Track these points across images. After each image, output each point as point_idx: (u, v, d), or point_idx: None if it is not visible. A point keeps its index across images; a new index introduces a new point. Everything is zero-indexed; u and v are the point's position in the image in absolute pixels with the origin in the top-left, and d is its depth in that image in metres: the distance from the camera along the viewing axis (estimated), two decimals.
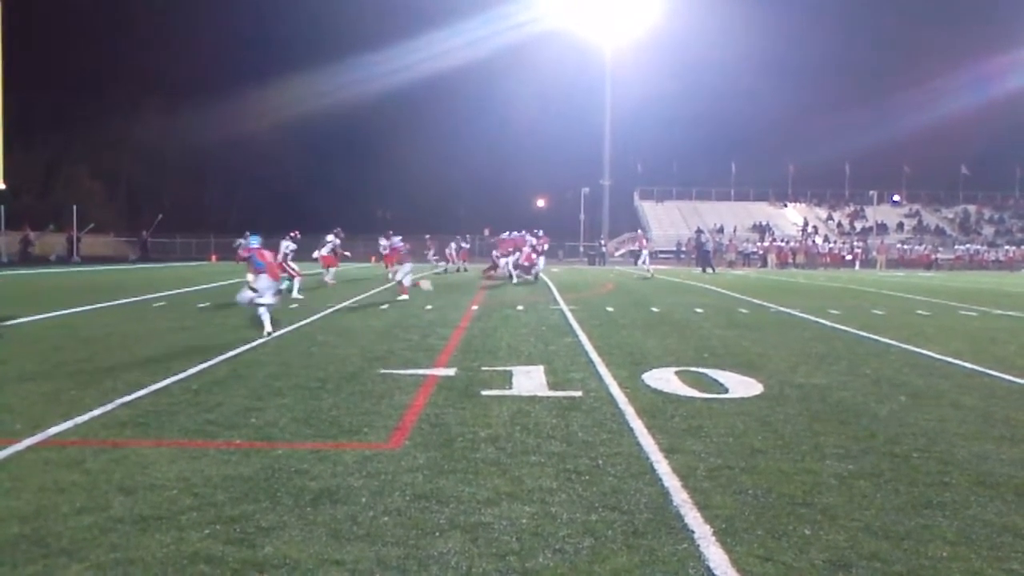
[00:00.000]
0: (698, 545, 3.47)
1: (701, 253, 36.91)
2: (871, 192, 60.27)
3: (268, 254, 11.26)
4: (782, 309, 15.13)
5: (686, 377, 7.49)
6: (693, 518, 3.78)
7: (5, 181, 25.68)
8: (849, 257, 49.82)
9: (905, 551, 3.45)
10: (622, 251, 54.25)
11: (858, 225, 59.85)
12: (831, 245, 52.67)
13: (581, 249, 53.84)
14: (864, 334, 11.09)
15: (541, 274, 25.79)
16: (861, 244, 53.22)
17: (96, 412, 5.83)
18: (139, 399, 6.30)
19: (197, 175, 69.61)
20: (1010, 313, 15.04)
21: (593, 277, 28.73)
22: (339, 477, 4.36)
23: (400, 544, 3.46)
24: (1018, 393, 6.99)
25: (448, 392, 6.70)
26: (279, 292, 11.30)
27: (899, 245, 52.85)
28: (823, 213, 61.95)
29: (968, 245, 53.74)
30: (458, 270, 31.03)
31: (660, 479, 4.38)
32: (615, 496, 4.10)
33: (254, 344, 9.39)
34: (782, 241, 52.08)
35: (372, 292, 18.40)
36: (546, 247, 27.59)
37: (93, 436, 5.20)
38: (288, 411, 5.94)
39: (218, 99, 60.69)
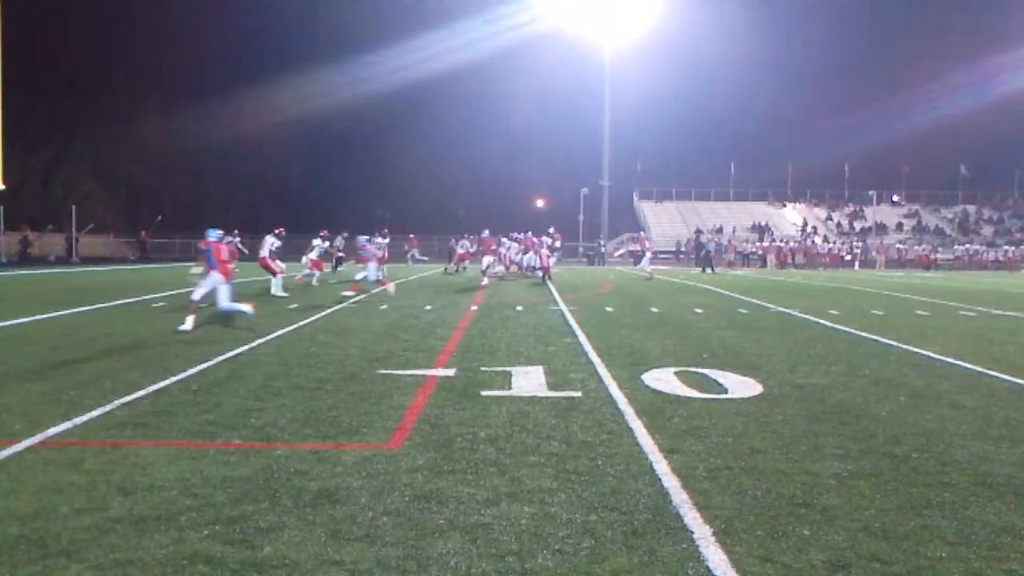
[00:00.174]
0: (697, 545, 3.47)
1: (702, 254, 36.94)
2: (870, 192, 60.27)
3: (224, 250, 11.22)
4: (782, 309, 15.13)
5: (686, 377, 7.49)
6: (692, 518, 3.78)
7: (5, 181, 25.68)
8: (848, 257, 49.85)
9: (904, 551, 3.45)
10: (621, 251, 54.28)
11: (857, 225, 59.87)
12: (830, 245, 52.69)
13: (580, 250, 53.85)
14: (864, 334, 11.09)
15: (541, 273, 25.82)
16: (860, 244, 53.25)
17: (95, 413, 5.82)
18: (138, 400, 6.30)
19: (196, 175, 69.56)
20: (1010, 313, 15.05)
21: (592, 277, 28.73)
22: (338, 478, 4.36)
23: (399, 544, 3.46)
24: (1017, 394, 6.99)
25: (448, 392, 6.69)
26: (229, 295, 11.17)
27: (898, 245, 52.84)
28: (822, 213, 61.97)
29: (967, 245, 53.74)
30: (456, 271, 31.01)
31: (659, 479, 4.37)
32: (614, 496, 4.10)
33: (253, 344, 9.38)
34: (781, 241, 52.12)
35: (371, 293, 18.40)
36: (559, 244, 27.58)
37: (92, 437, 5.20)
38: (287, 411, 5.93)
39: (218, 99, 60.70)
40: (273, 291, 16.67)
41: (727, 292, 20.51)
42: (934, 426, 5.68)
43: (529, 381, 7.23)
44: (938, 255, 50.11)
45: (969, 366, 8.36)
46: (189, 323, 10.62)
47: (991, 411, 6.19)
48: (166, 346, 9.28)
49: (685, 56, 65.94)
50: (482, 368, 7.93)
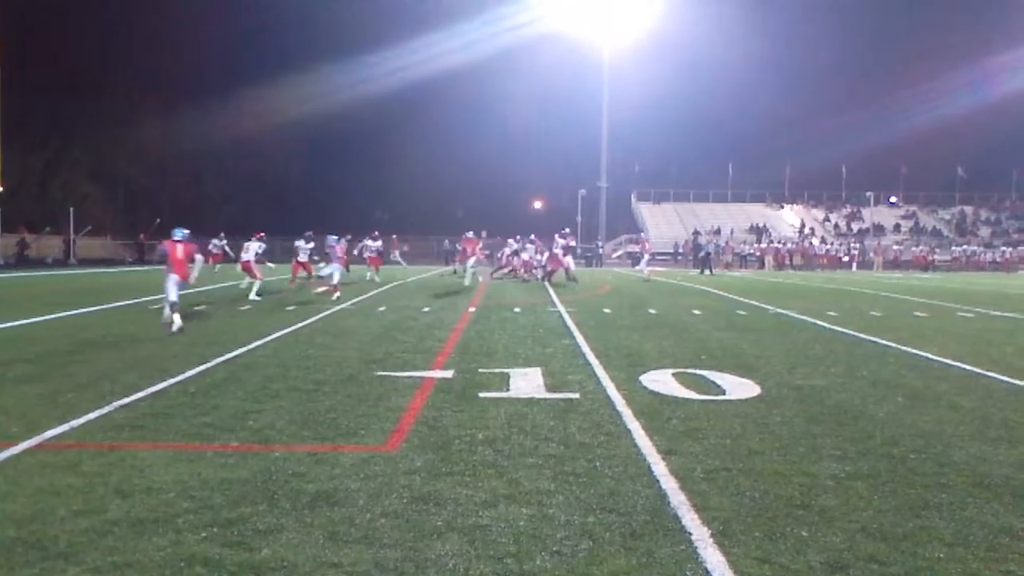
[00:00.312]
0: (696, 547, 3.47)
1: (700, 255, 36.95)
2: (868, 193, 60.36)
3: (180, 249, 11.16)
4: (780, 311, 15.14)
5: (684, 379, 7.49)
6: (691, 520, 3.78)
7: (3, 182, 25.65)
8: (846, 258, 49.92)
9: (902, 552, 3.45)
10: (619, 253, 54.29)
11: (855, 226, 59.96)
12: (828, 247, 52.75)
13: (578, 251, 53.84)
14: (862, 336, 11.10)
15: (541, 275, 25.84)
16: (858, 245, 53.32)
17: (93, 415, 5.81)
18: (136, 402, 6.29)
19: (195, 177, 69.51)
20: (1007, 314, 15.06)
21: (590, 279, 28.73)
22: (336, 479, 4.36)
23: (398, 546, 3.46)
24: (1015, 395, 6.99)
25: (445, 394, 6.69)
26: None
27: (896, 246, 52.93)
28: (820, 214, 62.07)
29: (965, 246, 53.83)
30: (454, 272, 30.98)
31: (658, 481, 4.37)
32: (613, 498, 4.10)
33: (251, 346, 9.38)
34: (779, 243, 52.16)
35: (371, 294, 18.40)
36: (572, 243, 27.26)
37: (90, 439, 5.19)
38: (285, 413, 5.93)
39: (216, 101, 60.67)
40: (251, 295, 16.68)
41: (725, 293, 20.52)
42: (932, 427, 5.68)
43: (527, 383, 7.23)
44: (935, 256, 50.21)
45: (967, 367, 8.37)
46: (177, 320, 10.65)
47: (989, 412, 6.19)
48: (164, 348, 9.27)
49: (683, 57, 66.05)
50: (480, 370, 7.92)
